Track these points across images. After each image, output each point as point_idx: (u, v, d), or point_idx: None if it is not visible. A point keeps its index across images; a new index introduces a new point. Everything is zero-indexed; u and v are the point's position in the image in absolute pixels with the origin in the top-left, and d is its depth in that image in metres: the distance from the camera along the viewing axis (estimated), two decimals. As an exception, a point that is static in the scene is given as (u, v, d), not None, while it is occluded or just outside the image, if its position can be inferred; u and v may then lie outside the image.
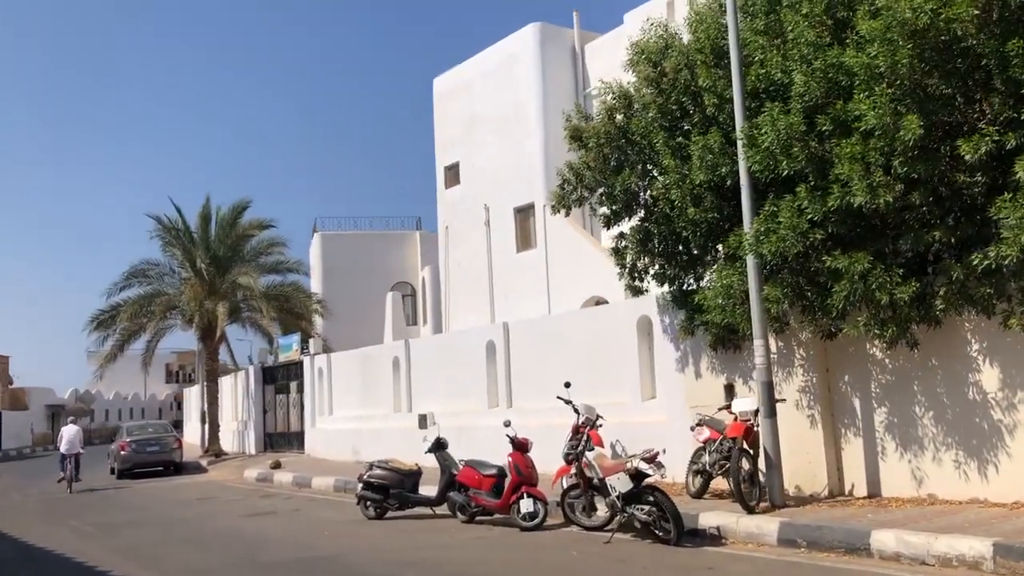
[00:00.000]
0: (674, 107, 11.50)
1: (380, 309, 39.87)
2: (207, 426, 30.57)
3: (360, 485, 13.86)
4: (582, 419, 13.07)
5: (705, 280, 12.46)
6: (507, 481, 11.94)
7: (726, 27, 11.07)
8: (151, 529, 13.95)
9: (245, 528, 13.47)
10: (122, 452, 25.49)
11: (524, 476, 11.73)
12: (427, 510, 13.60)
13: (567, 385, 13.25)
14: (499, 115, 23.74)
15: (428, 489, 13.88)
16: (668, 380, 13.52)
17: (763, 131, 9.87)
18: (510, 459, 11.99)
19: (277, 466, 22.34)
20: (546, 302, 21.39)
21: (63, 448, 22.36)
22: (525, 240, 22.83)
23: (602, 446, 12.68)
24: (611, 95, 12.50)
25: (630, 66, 12.45)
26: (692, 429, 11.94)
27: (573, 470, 11.01)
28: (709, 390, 12.72)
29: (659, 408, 13.80)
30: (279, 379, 28.30)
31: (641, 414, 13.99)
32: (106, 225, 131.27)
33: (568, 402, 13.16)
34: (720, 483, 11.61)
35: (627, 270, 13.14)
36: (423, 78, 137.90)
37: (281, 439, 27.94)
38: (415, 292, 41.30)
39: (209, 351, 30.37)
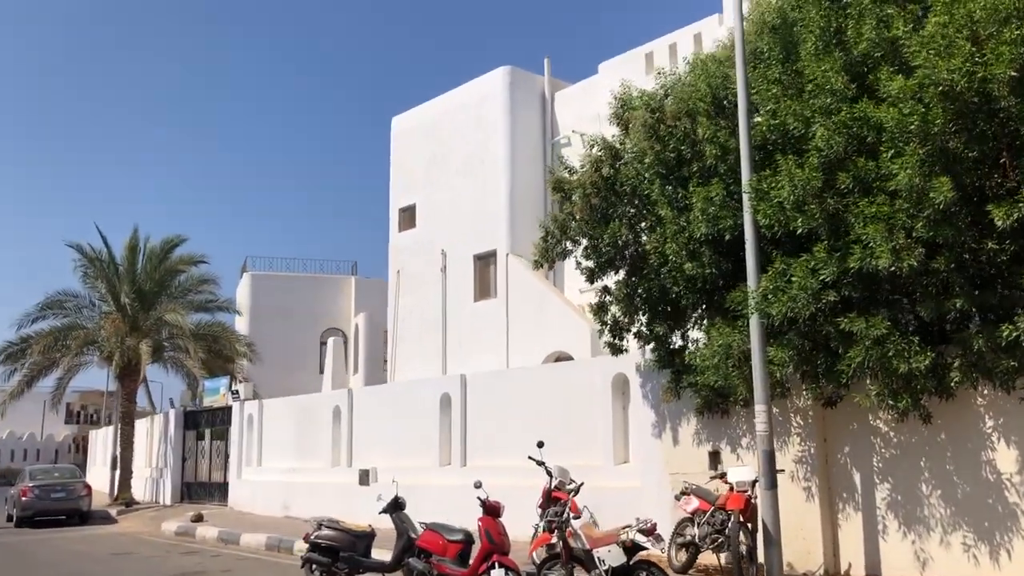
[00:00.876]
0: (672, 156, 10.96)
1: (309, 355, 38.40)
2: (118, 472, 28.47)
3: (307, 547, 12.62)
4: (555, 482, 12.24)
5: (694, 339, 11.87)
6: (475, 548, 10.93)
7: (728, 77, 10.69)
8: (65, 590, 12.42)
9: (174, 592, 12.09)
10: (23, 498, 23.32)
11: (496, 544, 10.70)
12: (380, 576, 12.43)
13: (540, 445, 12.37)
14: (463, 158, 23.01)
15: (381, 553, 12.74)
16: (645, 444, 12.78)
17: (779, 184, 9.38)
18: (480, 524, 10.97)
19: (199, 519, 20.68)
20: (504, 355, 20.48)
21: None
22: (484, 289, 21.98)
23: (578, 513, 11.79)
24: (596, 147, 11.93)
25: (615, 118, 11.98)
26: (678, 498, 11.18)
27: (554, 539, 10.08)
28: (691, 457, 12.03)
29: (633, 473, 13.04)
30: (202, 425, 26.56)
31: (614, 479, 13.19)
32: (25, 255, 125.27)
33: (540, 463, 12.31)
34: (707, 558, 10.86)
35: (608, 327, 12.46)
36: (369, 119, 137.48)
37: (201, 489, 26.10)
38: (347, 340, 39.96)
39: (126, 392, 28.47)
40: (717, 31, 17.82)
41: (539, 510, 12.35)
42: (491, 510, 11.17)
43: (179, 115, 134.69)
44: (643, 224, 11.54)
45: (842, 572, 10.32)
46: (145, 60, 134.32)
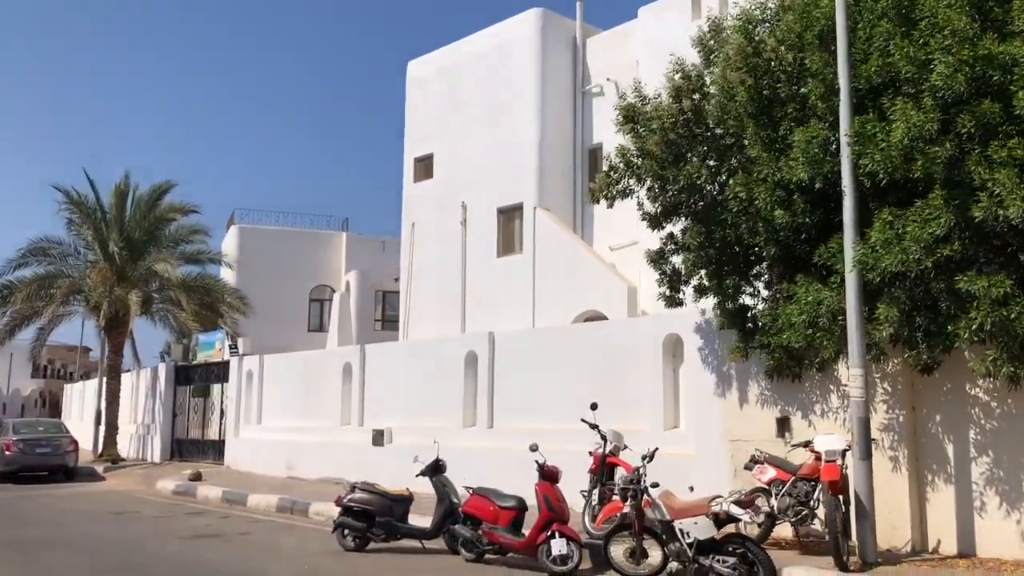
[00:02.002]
0: (767, 92, 10.04)
1: (298, 311, 37.25)
2: (103, 428, 27.31)
3: (339, 510, 11.75)
4: (609, 447, 11.43)
5: (764, 296, 11.06)
6: (534, 517, 10.11)
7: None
8: (75, 553, 11.44)
9: (196, 556, 11.16)
10: (7, 452, 22.14)
11: (556, 512, 9.90)
12: (415, 543, 11.60)
13: (594, 407, 11.54)
14: (487, 106, 21.75)
15: (418, 520, 11.92)
16: (701, 409, 11.99)
17: (891, 128, 8.51)
18: (537, 490, 10.16)
19: (198, 477, 19.70)
20: (530, 314, 19.51)
21: None
22: (508, 244, 20.92)
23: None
24: (679, 74, 10.96)
25: (698, 44, 11.01)
26: (748, 467, 10.39)
27: (626, 507, 9.26)
28: (755, 423, 11.26)
29: (684, 439, 12.26)
30: (195, 380, 25.44)
31: (662, 445, 12.34)
32: (11, 203, 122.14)
33: (594, 426, 11.50)
34: (782, 530, 10.13)
35: (667, 279, 11.59)
36: (370, 67, 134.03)
37: (193, 447, 25.06)
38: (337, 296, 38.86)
39: (113, 344, 27.20)
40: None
41: (591, 476, 11.57)
42: (549, 475, 10.36)
43: (169, 47, 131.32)
44: (723, 166, 10.62)
45: (930, 549, 9.63)
46: None
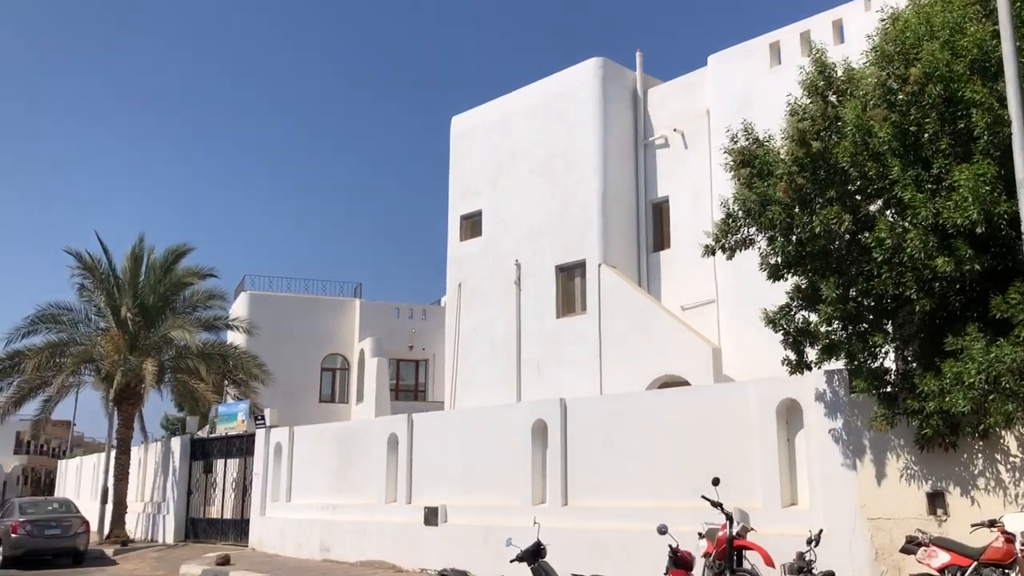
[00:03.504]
0: (913, 129, 9.07)
1: (310, 381, 35.79)
2: (110, 507, 25.57)
3: (427, 603, 10.33)
4: (737, 527, 10.12)
5: (907, 356, 9.92)
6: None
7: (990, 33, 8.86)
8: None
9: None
10: (13, 535, 20.42)
11: (697, 605, 8.57)
12: (512, 640, 10.16)
13: (716, 483, 10.27)
14: (541, 159, 20.72)
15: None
16: (830, 483, 10.71)
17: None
18: (671, 578, 8.84)
19: (226, 561, 18.07)
20: (596, 379, 18.19)
21: None
22: (569, 304, 19.69)
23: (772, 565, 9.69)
24: (802, 116, 10.02)
25: (810, 88, 10.11)
26: (910, 550, 9.08)
27: (790, 601, 7.94)
28: (899, 499, 10.00)
29: (805, 518, 10.93)
30: (213, 454, 23.86)
31: (780, 524, 11.08)
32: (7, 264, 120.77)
33: (717, 504, 10.19)
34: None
35: (791, 338, 10.46)
36: (381, 131, 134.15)
37: (211, 527, 23.33)
38: (349, 366, 37.47)
39: (124, 417, 25.66)
40: (861, 19, 16.03)
41: (714, 561, 10.24)
42: (682, 561, 9.08)
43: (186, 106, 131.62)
44: (861, 210, 9.59)
45: None
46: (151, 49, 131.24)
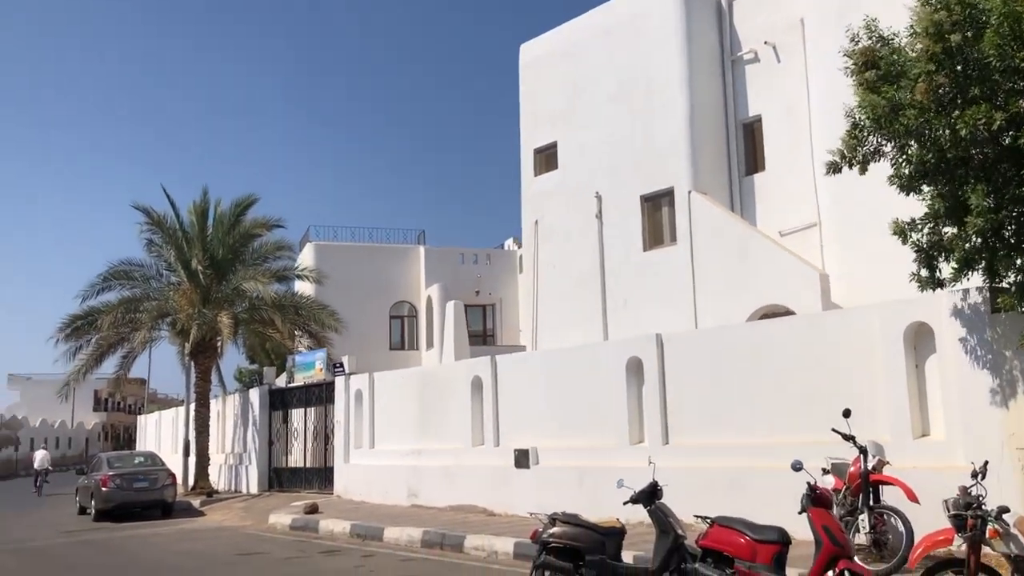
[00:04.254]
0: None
1: (378, 329, 35.63)
2: (193, 459, 25.77)
3: (538, 548, 9.80)
4: (872, 461, 9.39)
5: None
6: (813, 552, 8.08)
7: None
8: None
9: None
10: (103, 488, 20.65)
11: (842, 546, 7.86)
12: (630, 586, 9.61)
13: (847, 414, 9.50)
14: (619, 84, 19.60)
15: (627, 556, 9.97)
16: (971, 412, 9.87)
17: None
18: (812, 518, 8.13)
19: (314, 510, 17.95)
20: (690, 313, 17.39)
21: (36, 465, 34.18)
22: (656, 235, 18.81)
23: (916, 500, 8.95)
24: (936, 7, 8.95)
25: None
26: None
27: (958, 540, 7.21)
28: (1054, 426, 9.13)
29: (944, 450, 10.14)
30: (292, 404, 23.77)
31: (913, 457, 10.30)
32: (46, 238, 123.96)
33: (849, 437, 9.43)
34: None
35: (923, 253, 9.56)
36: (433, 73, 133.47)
37: (293, 476, 23.35)
38: (416, 313, 37.20)
39: (201, 370, 25.69)
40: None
41: (845, 498, 9.54)
42: (822, 500, 8.33)
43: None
44: (1010, 108, 8.57)
45: None
46: None
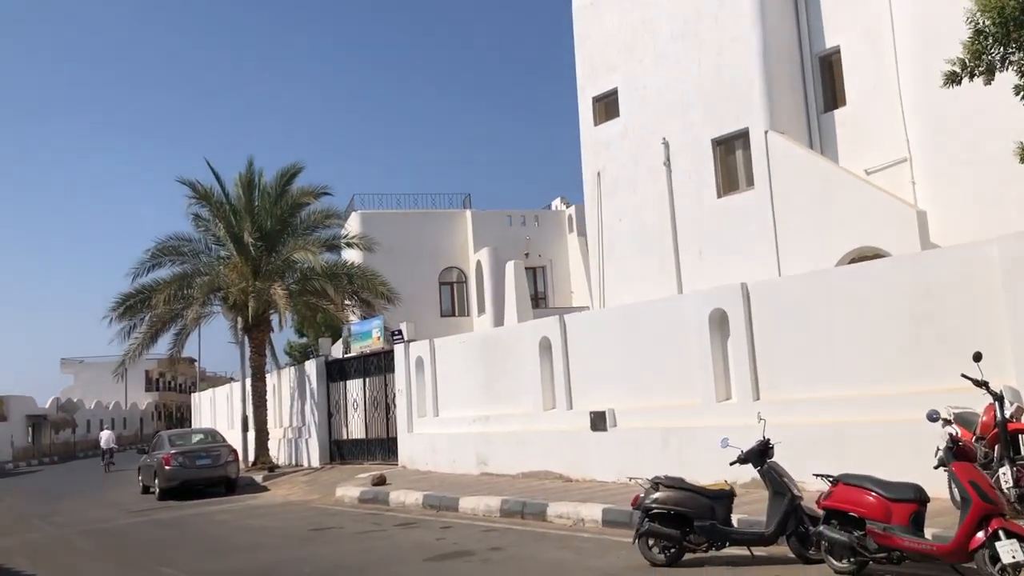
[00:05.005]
0: None
1: (428, 296, 35.11)
2: (252, 434, 25.55)
3: (640, 514, 9.14)
4: (1011, 409, 8.55)
5: None
6: (958, 511, 7.31)
7: None
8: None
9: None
10: (167, 467, 20.43)
11: (993, 503, 7.07)
12: (741, 551, 8.93)
13: (977, 358, 8.60)
14: (684, 20, 18.38)
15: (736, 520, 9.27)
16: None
17: None
18: (958, 473, 7.33)
19: (382, 481, 17.51)
20: (772, 261, 16.41)
21: (103, 444, 37.40)
22: (731, 180, 17.80)
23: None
24: None
25: None
26: None
27: None
28: None
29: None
30: (350, 374, 23.34)
31: (1046, 403, 9.41)
32: (88, 220, 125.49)
33: (982, 383, 8.57)
34: None
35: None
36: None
37: (355, 448, 22.97)
38: (466, 279, 36.62)
39: (255, 344, 25.36)
40: None
41: (984, 449, 8.71)
42: (966, 453, 7.55)
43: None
44: None
45: None
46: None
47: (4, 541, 14.93)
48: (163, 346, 26.73)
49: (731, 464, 9.12)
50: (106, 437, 37.66)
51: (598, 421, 14.94)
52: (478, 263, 35.07)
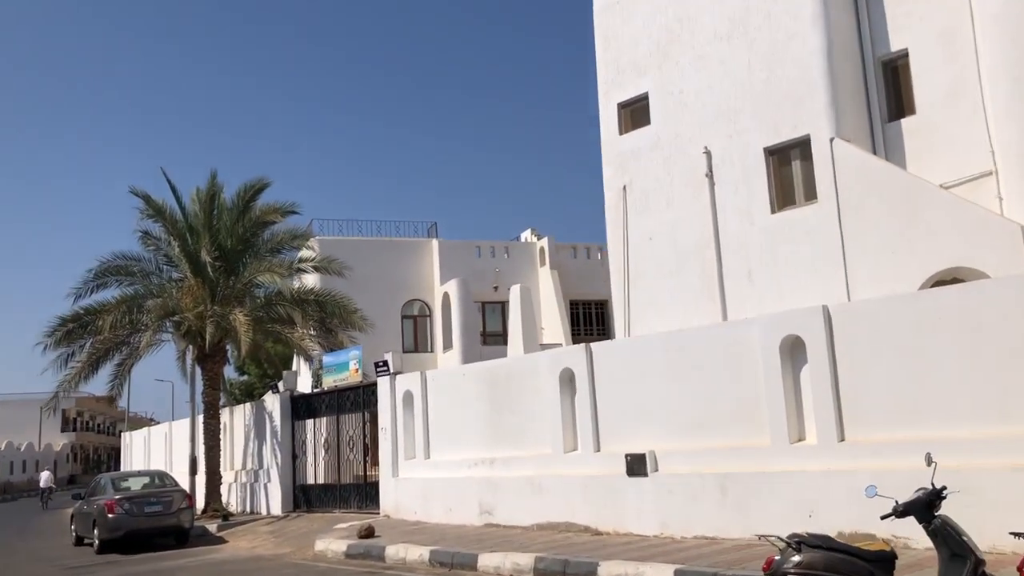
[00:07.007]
0: None
1: (389, 329, 32.73)
2: (202, 477, 22.82)
3: (777, 583, 7.19)
4: None
5: None
6: None
7: None
8: None
9: None
10: (109, 515, 17.65)
11: None
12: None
13: None
14: (729, 17, 16.50)
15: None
16: None
17: None
18: None
19: (370, 533, 15.18)
20: (839, 283, 14.56)
21: (42, 484, 41.67)
22: (786, 194, 16.02)
23: None
24: None
25: None
26: None
27: None
28: None
29: None
30: (321, 411, 20.89)
31: None
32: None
33: None
34: None
35: None
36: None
37: (324, 494, 20.46)
38: (430, 312, 34.47)
39: (209, 377, 22.77)
40: None
41: None
42: None
43: None
44: None
45: None
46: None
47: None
48: (104, 377, 23.85)
49: (883, 518, 7.25)
50: (45, 477, 42.16)
51: (636, 465, 12.95)
52: (445, 295, 33.01)
